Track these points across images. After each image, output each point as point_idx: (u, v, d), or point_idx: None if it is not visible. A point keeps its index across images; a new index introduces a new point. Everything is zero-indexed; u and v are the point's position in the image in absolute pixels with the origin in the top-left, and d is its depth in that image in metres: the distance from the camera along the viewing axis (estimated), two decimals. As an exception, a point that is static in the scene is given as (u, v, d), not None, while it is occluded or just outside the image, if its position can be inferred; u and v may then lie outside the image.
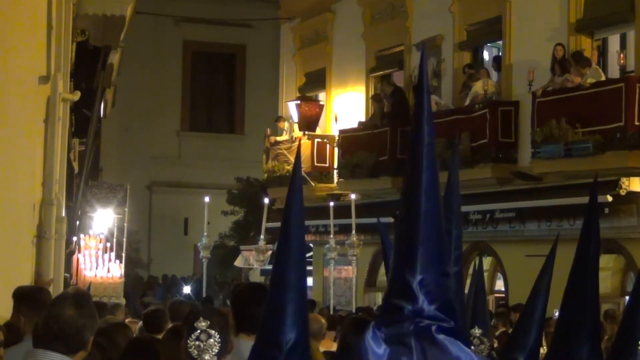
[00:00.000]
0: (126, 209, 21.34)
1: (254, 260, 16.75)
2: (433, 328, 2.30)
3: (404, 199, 2.40)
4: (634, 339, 3.40)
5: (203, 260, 16.06)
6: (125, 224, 20.74)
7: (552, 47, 17.02)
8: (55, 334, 4.03)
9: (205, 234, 15.88)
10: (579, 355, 3.33)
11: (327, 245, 15.03)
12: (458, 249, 3.56)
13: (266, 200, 15.79)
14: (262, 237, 15.10)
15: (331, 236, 15.04)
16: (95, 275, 17.98)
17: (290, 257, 2.47)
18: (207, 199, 16.12)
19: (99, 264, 18.27)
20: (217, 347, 2.70)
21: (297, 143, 22.97)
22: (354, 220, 14.90)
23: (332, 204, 15.89)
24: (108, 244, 19.01)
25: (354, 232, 14.85)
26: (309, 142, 22.63)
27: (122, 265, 19.01)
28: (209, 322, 2.69)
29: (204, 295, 16.71)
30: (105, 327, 6.07)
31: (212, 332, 2.71)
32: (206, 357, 2.69)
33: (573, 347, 3.34)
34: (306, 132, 22.71)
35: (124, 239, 20.55)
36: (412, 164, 2.38)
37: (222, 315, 4.06)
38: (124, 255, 19.93)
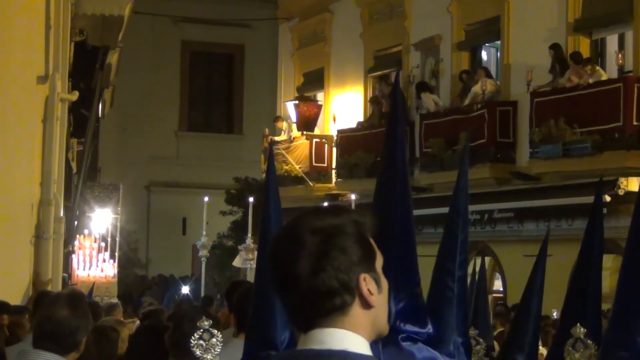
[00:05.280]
0: (119, 208, 21.34)
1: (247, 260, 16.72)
2: (400, 337, 2.31)
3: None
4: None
5: (202, 259, 16.04)
6: (118, 224, 20.76)
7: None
8: (49, 334, 4.05)
9: (204, 233, 15.85)
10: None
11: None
12: (463, 254, 3.49)
13: (251, 199, 15.68)
14: (249, 235, 15.06)
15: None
16: (88, 275, 17.99)
17: None
18: (206, 199, 16.11)
19: (93, 264, 18.29)
20: (219, 347, 2.71)
21: (295, 143, 23.01)
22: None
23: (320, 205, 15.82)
24: (102, 244, 19.02)
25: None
26: (308, 142, 22.65)
27: (116, 265, 19.02)
28: (211, 322, 2.69)
29: (202, 294, 16.70)
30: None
31: (215, 331, 2.71)
32: (209, 357, 2.69)
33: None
34: (304, 132, 22.72)
35: (117, 239, 20.56)
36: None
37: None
38: (116, 254, 19.93)
